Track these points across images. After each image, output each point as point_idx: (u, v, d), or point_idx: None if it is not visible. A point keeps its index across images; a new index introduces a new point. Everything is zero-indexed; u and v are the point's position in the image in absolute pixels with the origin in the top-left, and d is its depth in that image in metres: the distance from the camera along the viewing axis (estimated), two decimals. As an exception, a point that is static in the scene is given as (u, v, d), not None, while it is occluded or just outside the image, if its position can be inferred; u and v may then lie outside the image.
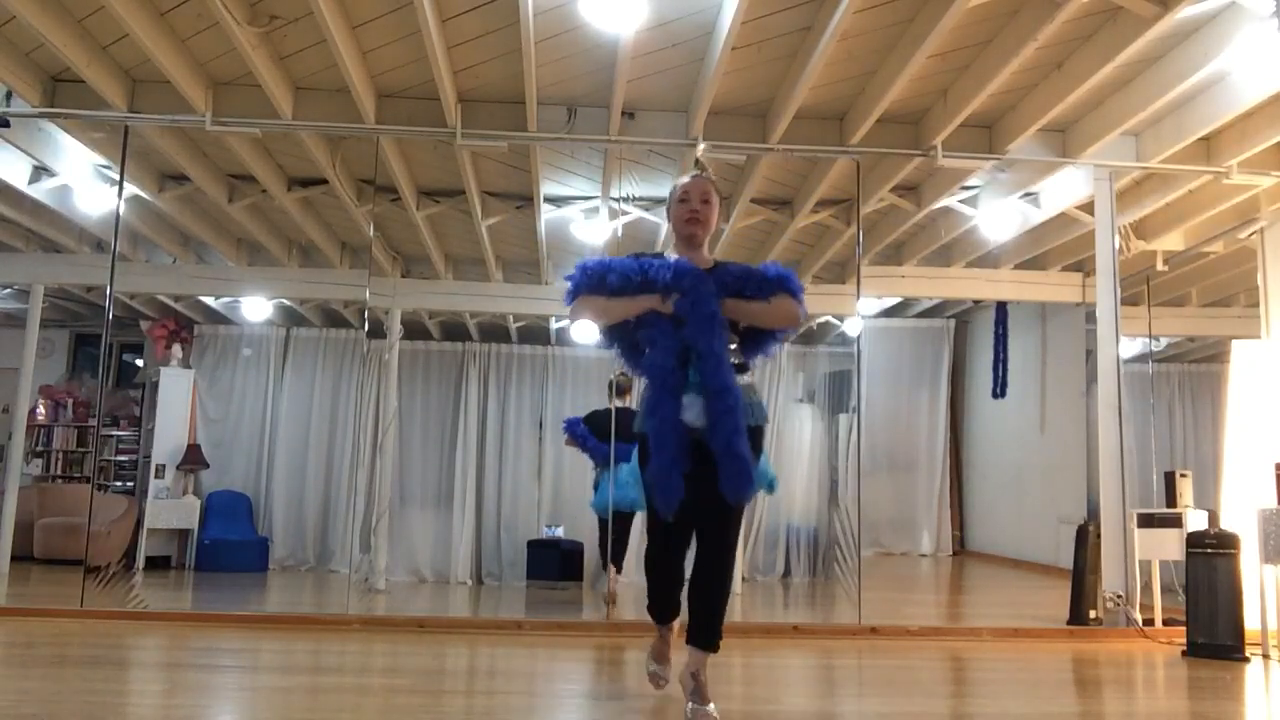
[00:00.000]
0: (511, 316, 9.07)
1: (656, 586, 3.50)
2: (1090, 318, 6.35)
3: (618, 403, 7.12)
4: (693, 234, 3.35)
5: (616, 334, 3.39)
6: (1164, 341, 8.27)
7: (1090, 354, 6.35)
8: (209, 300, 9.10)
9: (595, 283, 3.23)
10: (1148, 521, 5.78)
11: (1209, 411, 8.13)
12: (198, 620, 5.68)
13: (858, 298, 6.56)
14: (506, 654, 4.83)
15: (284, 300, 9.16)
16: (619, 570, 7.44)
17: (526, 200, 6.95)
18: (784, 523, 9.17)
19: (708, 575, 3.31)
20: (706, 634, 3.32)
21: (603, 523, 7.18)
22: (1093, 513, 6.10)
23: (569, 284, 3.30)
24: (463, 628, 5.67)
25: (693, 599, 3.33)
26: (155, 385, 9.27)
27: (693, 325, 3.12)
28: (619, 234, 7.12)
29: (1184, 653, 5.00)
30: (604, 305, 3.23)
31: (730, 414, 3.07)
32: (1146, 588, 5.75)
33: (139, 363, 10.25)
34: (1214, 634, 4.94)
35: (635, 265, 3.21)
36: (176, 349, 9.26)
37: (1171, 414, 8.48)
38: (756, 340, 3.39)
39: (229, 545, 8.73)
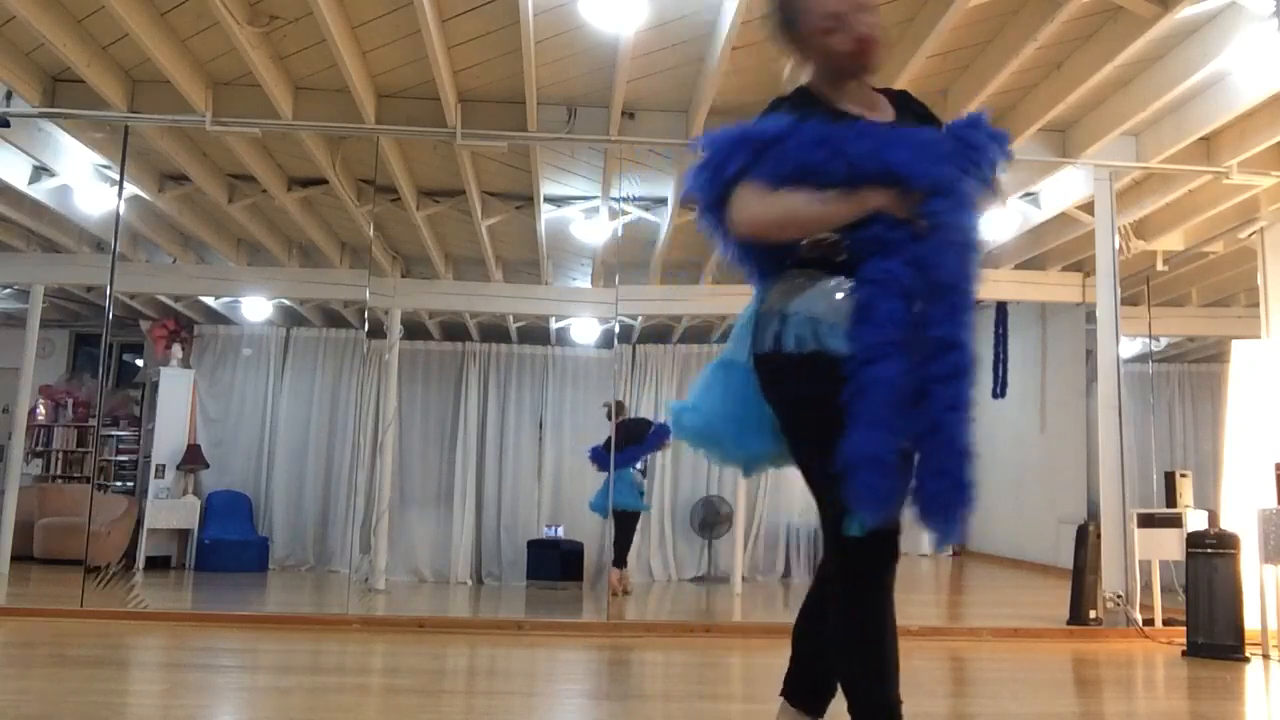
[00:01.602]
0: (511, 316, 9.07)
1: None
2: (1090, 318, 6.35)
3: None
4: (868, 62, 2.05)
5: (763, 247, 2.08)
6: (1164, 341, 8.27)
7: (1090, 354, 6.35)
8: (209, 300, 9.10)
9: (773, 162, 1.90)
10: (1148, 521, 5.78)
11: (1209, 411, 8.13)
12: (198, 620, 5.68)
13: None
14: (506, 654, 4.83)
15: (284, 300, 9.16)
16: (623, 568, 7.59)
17: (526, 200, 6.95)
18: (784, 523, 9.17)
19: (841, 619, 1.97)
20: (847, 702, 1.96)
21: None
22: (1093, 513, 6.10)
23: (700, 175, 1.99)
24: (463, 628, 5.67)
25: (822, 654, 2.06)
26: (155, 385, 9.26)
27: (939, 246, 1.88)
28: (619, 234, 7.13)
29: (1184, 653, 5.00)
30: (801, 207, 1.89)
31: (957, 384, 1.86)
32: (1146, 588, 5.75)
33: (139, 363, 10.25)
34: (1214, 634, 4.94)
35: (832, 135, 1.90)
36: (176, 349, 9.25)
37: (1171, 414, 8.48)
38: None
39: (229, 545, 8.72)
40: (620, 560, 7.70)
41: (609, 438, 7.78)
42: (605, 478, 7.45)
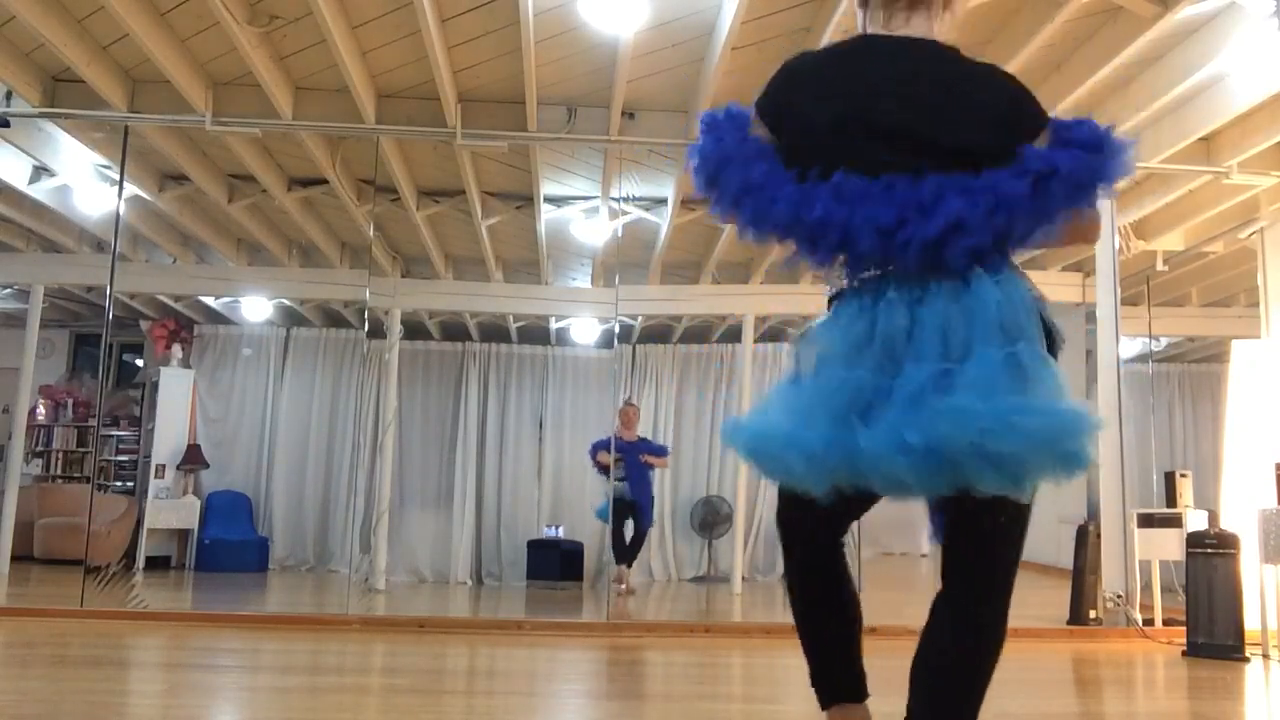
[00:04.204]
0: (511, 316, 9.07)
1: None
2: (1090, 318, 6.35)
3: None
4: None
5: None
6: (1164, 341, 8.26)
7: (1090, 354, 6.34)
8: (209, 300, 9.10)
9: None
10: (1148, 521, 5.78)
11: (1209, 411, 8.13)
12: (198, 620, 5.68)
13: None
14: (506, 654, 4.83)
15: (284, 300, 9.15)
16: (629, 566, 7.64)
17: (526, 200, 6.95)
18: (784, 522, 9.16)
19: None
20: None
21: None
22: (1093, 513, 6.09)
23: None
24: (463, 628, 5.67)
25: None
26: (155, 385, 9.26)
27: None
28: (619, 234, 7.13)
29: (1184, 653, 5.00)
30: None
31: None
32: (1146, 588, 5.75)
33: (139, 363, 10.24)
34: (1214, 634, 4.94)
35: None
36: (176, 349, 9.25)
37: (1171, 414, 8.48)
38: None
39: (229, 545, 8.72)
40: (629, 560, 7.75)
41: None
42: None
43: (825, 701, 1.95)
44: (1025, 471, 1.62)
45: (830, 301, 1.88)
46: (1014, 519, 1.78)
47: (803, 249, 1.80)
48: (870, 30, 1.92)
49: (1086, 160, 1.72)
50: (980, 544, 1.80)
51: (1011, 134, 1.76)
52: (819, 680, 1.95)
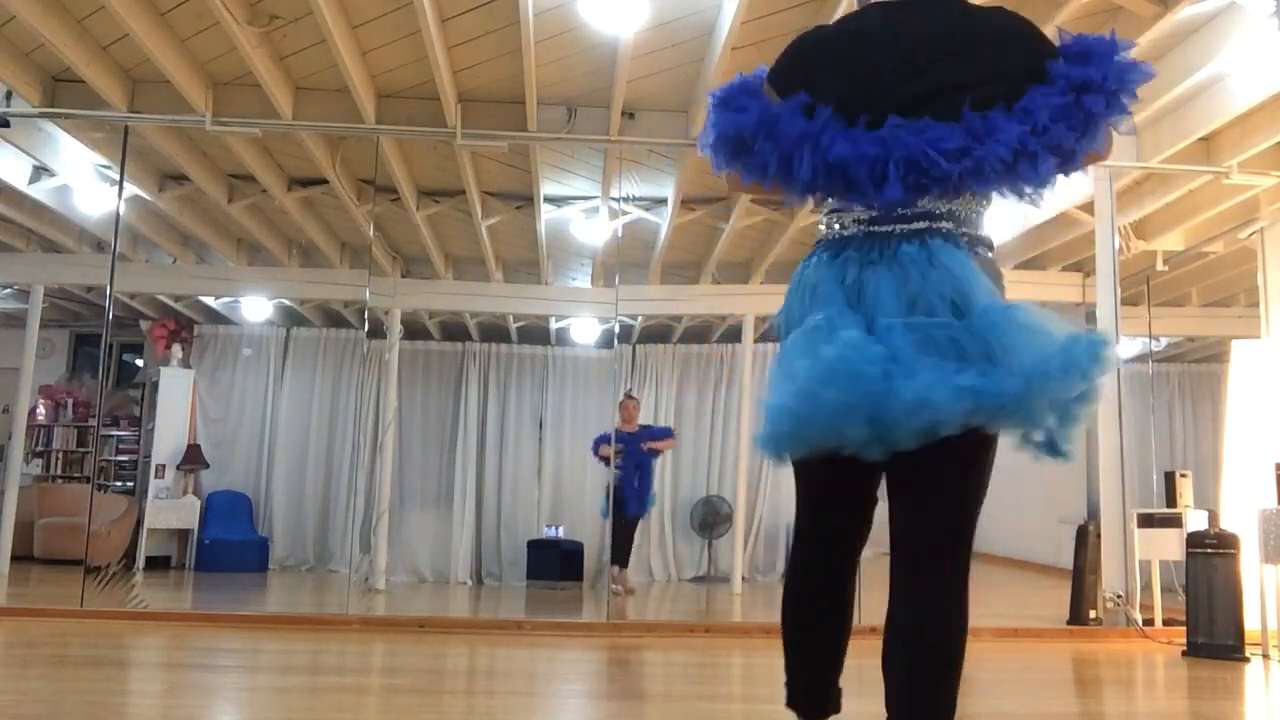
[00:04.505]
0: (511, 316, 9.07)
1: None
2: (1090, 318, 6.35)
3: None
4: None
5: None
6: (1164, 341, 8.26)
7: (1090, 354, 6.33)
8: (209, 300, 9.10)
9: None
10: (1148, 521, 5.78)
11: (1209, 411, 8.13)
12: (198, 620, 5.68)
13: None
14: (506, 654, 4.83)
15: (284, 300, 9.16)
16: (624, 567, 7.62)
17: (526, 200, 6.95)
18: (784, 522, 9.16)
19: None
20: None
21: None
22: (1093, 513, 6.10)
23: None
24: (463, 628, 5.67)
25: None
26: (155, 385, 9.26)
27: None
28: (619, 234, 7.13)
29: (1184, 653, 5.00)
30: None
31: None
32: (1146, 588, 5.75)
33: (139, 363, 10.24)
34: (1214, 634, 4.94)
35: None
36: (176, 349, 9.25)
37: (1171, 414, 8.48)
38: None
39: (229, 545, 8.72)
40: (624, 560, 7.74)
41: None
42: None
43: (790, 701, 1.95)
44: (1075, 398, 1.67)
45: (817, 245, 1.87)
46: (986, 472, 1.87)
47: (861, 190, 1.74)
48: None
49: (1112, 66, 1.82)
50: (957, 501, 1.86)
51: (1025, 82, 1.79)
52: (791, 684, 1.95)
